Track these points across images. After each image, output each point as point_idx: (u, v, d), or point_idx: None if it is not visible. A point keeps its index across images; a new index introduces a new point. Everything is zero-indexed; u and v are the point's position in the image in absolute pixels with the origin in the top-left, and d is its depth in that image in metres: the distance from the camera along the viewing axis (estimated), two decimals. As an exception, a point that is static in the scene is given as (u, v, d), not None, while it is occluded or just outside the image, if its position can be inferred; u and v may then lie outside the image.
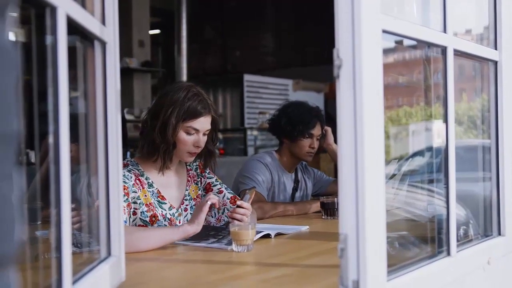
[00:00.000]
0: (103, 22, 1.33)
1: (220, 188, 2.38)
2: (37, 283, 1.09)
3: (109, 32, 1.35)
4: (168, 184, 2.28)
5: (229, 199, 2.34)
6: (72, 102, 1.13)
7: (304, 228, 2.34)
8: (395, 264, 1.30)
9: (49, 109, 0.98)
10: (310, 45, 9.28)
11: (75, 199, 1.10)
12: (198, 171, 2.40)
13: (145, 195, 2.18)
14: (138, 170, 2.21)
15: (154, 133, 2.15)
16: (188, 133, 2.18)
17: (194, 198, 2.35)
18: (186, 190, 2.34)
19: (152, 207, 2.18)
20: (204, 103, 2.18)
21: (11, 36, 0.59)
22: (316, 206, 2.82)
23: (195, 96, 2.17)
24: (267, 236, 2.11)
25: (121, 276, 1.40)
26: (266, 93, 8.14)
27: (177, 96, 2.15)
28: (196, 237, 2.02)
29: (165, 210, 2.22)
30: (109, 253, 1.35)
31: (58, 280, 0.99)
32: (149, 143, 2.19)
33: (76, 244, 1.26)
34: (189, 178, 2.36)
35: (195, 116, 2.16)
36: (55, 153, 0.98)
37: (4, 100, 0.55)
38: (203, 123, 2.19)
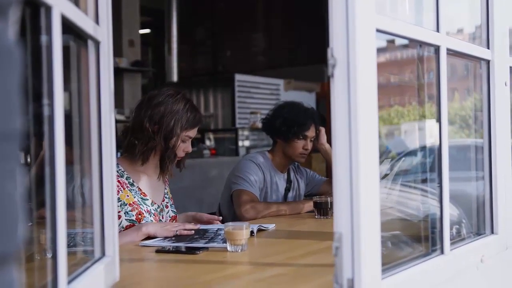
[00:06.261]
0: (96, 21, 1.32)
1: (170, 202, 2.46)
2: (31, 283, 1.08)
3: (102, 31, 1.34)
4: (149, 183, 2.34)
5: (170, 217, 2.40)
6: (65, 102, 1.12)
7: (271, 226, 2.34)
8: (389, 263, 1.31)
9: (43, 109, 0.97)
10: (301, 45, 9.30)
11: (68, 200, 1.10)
12: (167, 177, 2.48)
13: (127, 195, 2.22)
14: (117, 172, 2.22)
15: (156, 141, 2.22)
16: (183, 141, 2.28)
17: (171, 198, 2.46)
18: (165, 189, 2.44)
19: (136, 205, 2.23)
20: (199, 113, 2.32)
21: (13, 36, 0.59)
22: (308, 205, 2.82)
23: (193, 107, 2.30)
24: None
25: (115, 276, 1.40)
26: (258, 93, 8.13)
27: (177, 107, 2.25)
28: (189, 240, 2.02)
29: (149, 206, 2.28)
30: (103, 253, 1.34)
31: (53, 280, 0.98)
32: (150, 149, 2.24)
33: (69, 244, 1.25)
34: (166, 179, 2.45)
35: (194, 126, 2.29)
36: (50, 154, 0.97)
37: (8, 99, 0.55)
38: (196, 131, 2.33)
